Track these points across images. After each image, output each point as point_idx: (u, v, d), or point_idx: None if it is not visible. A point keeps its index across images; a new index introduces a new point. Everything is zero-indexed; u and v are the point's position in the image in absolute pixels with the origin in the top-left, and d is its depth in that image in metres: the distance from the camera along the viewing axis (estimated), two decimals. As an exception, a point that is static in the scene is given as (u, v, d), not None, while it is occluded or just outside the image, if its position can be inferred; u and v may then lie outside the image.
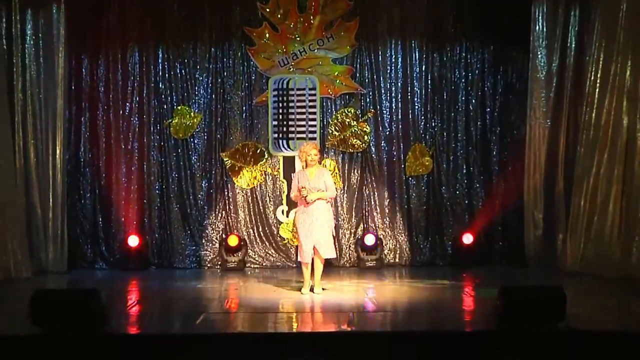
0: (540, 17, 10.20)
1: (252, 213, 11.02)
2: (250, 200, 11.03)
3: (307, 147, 8.37)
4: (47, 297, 6.14)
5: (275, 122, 11.00)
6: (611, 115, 9.64)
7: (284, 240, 10.98)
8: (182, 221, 10.95)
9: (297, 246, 9.01)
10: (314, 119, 11.00)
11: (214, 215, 10.98)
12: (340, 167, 11.06)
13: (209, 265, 10.89)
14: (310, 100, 11.01)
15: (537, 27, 10.21)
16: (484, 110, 11.08)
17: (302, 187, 8.11)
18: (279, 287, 8.85)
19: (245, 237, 10.93)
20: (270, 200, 11.06)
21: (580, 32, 9.97)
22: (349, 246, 11.03)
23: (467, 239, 10.75)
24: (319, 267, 8.25)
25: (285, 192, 10.82)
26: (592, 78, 9.73)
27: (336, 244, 10.33)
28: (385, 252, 10.98)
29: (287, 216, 10.89)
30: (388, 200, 11.06)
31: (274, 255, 10.96)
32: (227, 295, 8.60)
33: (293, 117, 10.98)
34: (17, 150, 10.02)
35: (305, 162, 8.35)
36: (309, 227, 8.13)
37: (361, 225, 11.08)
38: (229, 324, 6.98)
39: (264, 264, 10.92)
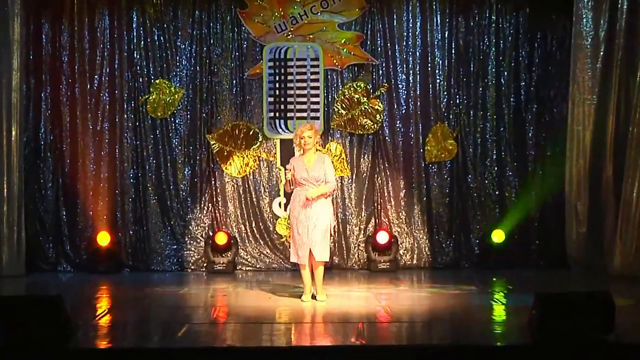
0: (585, -27, 10.18)
1: (243, 206, 11.02)
2: (241, 191, 11.03)
3: (300, 129, 8.35)
4: (2, 304, 6.13)
5: (271, 99, 10.99)
6: (669, 89, 9.61)
7: (281, 238, 10.98)
8: (161, 216, 10.96)
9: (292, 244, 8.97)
10: (317, 95, 10.98)
11: (198, 208, 10.99)
12: (347, 152, 11.05)
13: (192, 267, 10.91)
14: (312, 73, 11.00)
15: (582, -15, 10.19)
16: (518, 84, 11.06)
17: (288, 170, 8.06)
18: (275, 294, 8.85)
19: (236, 235, 10.94)
20: (265, 191, 11.06)
21: (634, -10, 9.93)
22: (358, 245, 11.04)
23: (498, 236, 10.74)
24: (320, 271, 8.23)
25: (283, 182, 10.81)
26: (647, 45, 9.71)
27: (338, 244, 10.38)
28: (401, 252, 10.99)
29: (285, 210, 10.89)
30: (404, 191, 11.05)
31: (269, 255, 10.97)
32: (215, 302, 8.60)
33: (292, 92, 10.97)
34: (-35, 132, 10.04)
35: (299, 147, 8.31)
36: (307, 223, 8.10)
37: (372, 220, 11.08)
38: (216, 337, 6.97)
39: (257, 266, 10.94)
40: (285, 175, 8.13)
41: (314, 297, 8.29)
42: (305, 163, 8.21)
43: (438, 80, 11.06)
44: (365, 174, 11.09)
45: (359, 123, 11.04)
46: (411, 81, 11.05)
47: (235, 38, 11.00)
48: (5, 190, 10.22)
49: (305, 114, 10.98)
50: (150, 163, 10.97)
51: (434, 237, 11.05)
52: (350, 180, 11.05)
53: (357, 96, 11.03)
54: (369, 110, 11.03)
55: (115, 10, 10.88)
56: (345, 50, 11.01)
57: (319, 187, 8.11)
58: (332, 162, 8.66)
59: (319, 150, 8.53)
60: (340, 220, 10.91)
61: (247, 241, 11.00)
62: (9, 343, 5.95)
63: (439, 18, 11.03)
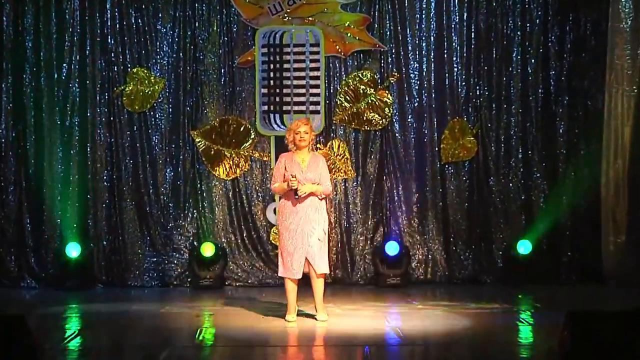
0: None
1: (233, 213, 11.04)
2: (230, 196, 11.04)
3: (295, 122, 8.37)
4: (-43, 325, 6.13)
5: (265, 90, 11.00)
6: None
7: (276, 249, 10.92)
8: (139, 224, 10.97)
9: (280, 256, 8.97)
10: (317, 86, 11.00)
11: (182, 216, 11.00)
12: (352, 150, 11.06)
13: (175, 282, 10.93)
14: (311, 61, 11.02)
15: (620, -40, 10.22)
16: (547, 73, 11.07)
17: (293, 176, 8.08)
18: (269, 313, 8.85)
19: (225, 245, 10.95)
20: (257, 196, 11.07)
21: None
22: (364, 257, 11.04)
23: (524, 247, 10.74)
24: (320, 286, 8.23)
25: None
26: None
27: (341, 255, 10.45)
28: (413, 265, 11.00)
29: (281, 217, 10.89)
30: (417, 196, 11.06)
31: (262, 269, 10.98)
32: (200, 323, 8.61)
33: (289, 83, 10.99)
34: None
35: (293, 144, 8.31)
36: (300, 231, 8.11)
37: (380, 229, 11.09)
38: (201, 362, 7.00)
39: (249, 281, 10.96)
40: (290, 181, 8.08)
41: (314, 316, 8.30)
42: (299, 162, 8.23)
43: (455, 69, 11.07)
44: (372, 176, 11.09)
45: (365, 118, 11.04)
46: (425, 70, 11.06)
47: (224, 21, 11.01)
48: (-39, 195, 10.26)
49: (303, 107, 10.99)
50: (126, 164, 10.97)
51: (451, 248, 11.05)
52: (355, 183, 11.05)
53: (363, 87, 11.04)
54: (377, 103, 11.04)
55: (87, -12, 10.93)
56: (349, 34, 11.02)
57: (312, 185, 8.13)
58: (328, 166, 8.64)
59: (313, 151, 8.52)
60: (343, 229, 10.93)
61: (237, 253, 11.01)
62: (-36, 369, 5.96)
63: (456, -3, 11.08)
